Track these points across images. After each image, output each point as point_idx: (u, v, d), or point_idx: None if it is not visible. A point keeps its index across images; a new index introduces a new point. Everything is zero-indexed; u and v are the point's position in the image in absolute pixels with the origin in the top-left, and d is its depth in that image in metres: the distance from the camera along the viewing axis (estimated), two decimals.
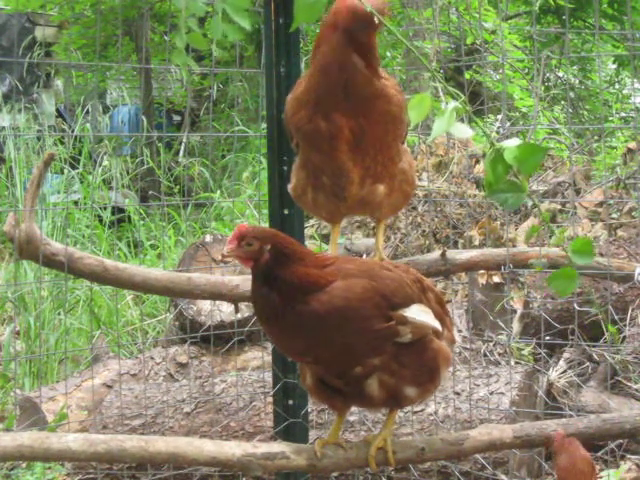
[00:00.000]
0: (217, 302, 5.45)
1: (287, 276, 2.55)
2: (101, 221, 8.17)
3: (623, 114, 13.37)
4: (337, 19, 2.90)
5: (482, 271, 5.55)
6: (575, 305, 5.07)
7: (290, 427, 4.17)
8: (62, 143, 9.02)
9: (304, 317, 2.52)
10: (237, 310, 4.87)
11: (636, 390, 5.14)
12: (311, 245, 7.10)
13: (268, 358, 4.88)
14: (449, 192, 7.21)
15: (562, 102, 12.09)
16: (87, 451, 2.58)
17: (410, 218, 7.32)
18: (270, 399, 4.51)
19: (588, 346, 5.27)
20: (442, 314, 2.76)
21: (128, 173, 9.45)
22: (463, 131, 2.07)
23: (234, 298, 3.54)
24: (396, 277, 2.66)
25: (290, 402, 4.18)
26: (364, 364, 2.58)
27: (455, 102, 2.04)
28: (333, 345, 2.54)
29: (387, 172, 3.07)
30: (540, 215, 2.28)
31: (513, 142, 2.06)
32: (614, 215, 6.85)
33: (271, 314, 2.56)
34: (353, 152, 2.99)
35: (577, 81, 13.60)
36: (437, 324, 2.70)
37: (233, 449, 2.67)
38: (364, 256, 6.43)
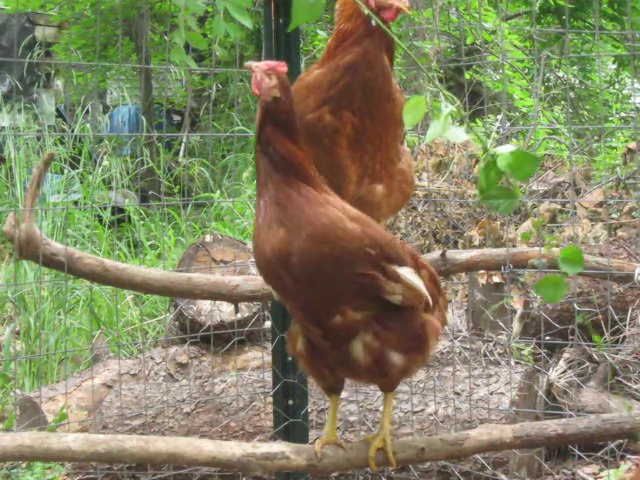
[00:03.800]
0: (217, 302, 5.45)
1: (277, 145, 2.53)
2: (101, 221, 8.17)
3: (623, 114, 13.38)
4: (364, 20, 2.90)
5: (482, 271, 5.55)
6: (575, 305, 5.08)
7: (290, 427, 4.17)
8: (62, 143, 9.02)
9: (295, 207, 2.48)
10: (237, 310, 4.87)
11: (636, 390, 5.14)
12: None
13: (268, 358, 4.89)
14: (449, 192, 7.21)
15: (562, 102, 12.09)
16: (87, 451, 2.58)
17: (410, 218, 7.32)
18: (270, 399, 4.51)
19: (588, 346, 5.27)
20: (435, 294, 2.71)
21: (128, 173, 9.45)
22: (458, 135, 2.07)
23: (234, 298, 3.54)
24: (392, 237, 2.64)
25: (290, 402, 4.18)
26: (344, 313, 2.52)
27: (450, 107, 2.04)
28: (309, 264, 2.46)
29: (386, 172, 3.08)
30: (533, 222, 2.27)
31: (507, 148, 2.05)
32: (614, 215, 6.85)
33: (271, 187, 2.52)
34: (352, 149, 2.99)
35: (577, 81, 13.61)
36: (427, 294, 2.64)
37: (233, 449, 2.67)
38: None
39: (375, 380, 2.74)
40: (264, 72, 2.57)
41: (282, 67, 2.61)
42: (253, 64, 2.59)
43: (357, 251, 2.49)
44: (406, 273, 2.58)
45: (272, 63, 2.61)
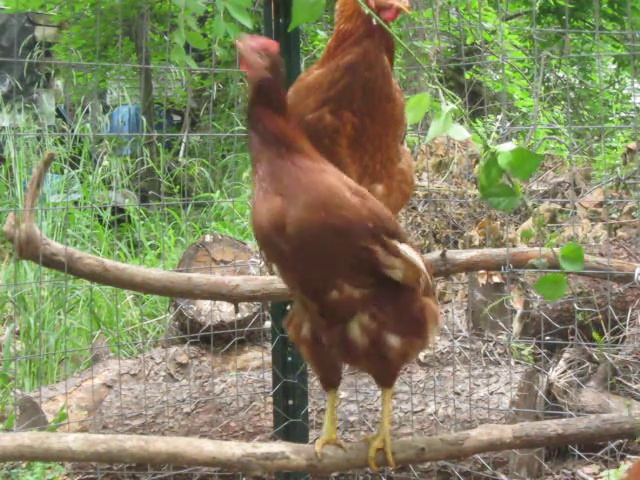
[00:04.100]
0: (217, 302, 5.45)
1: (267, 123, 2.51)
2: (101, 221, 8.17)
3: (623, 114, 13.38)
4: (365, 19, 2.91)
5: (482, 271, 5.55)
6: (575, 305, 5.08)
7: (290, 427, 4.17)
8: (62, 143, 9.02)
9: (290, 177, 2.45)
10: (237, 310, 4.87)
11: (636, 390, 5.14)
12: None
13: (268, 358, 4.89)
14: (449, 192, 7.21)
15: (562, 102, 12.09)
16: (87, 451, 2.58)
17: (410, 218, 7.31)
18: (270, 399, 4.52)
19: (588, 346, 5.27)
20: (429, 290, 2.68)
21: (128, 173, 9.45)
22: (460, 133, 2.07)
23: (234, 298, 3.54)
24: (392, 214, 2.62)
25: (290, 402, 4.18)
26: (341, 288, 2.48)
27: (452, 105, 2.04)
28: (307, 233, 2.42)
29: (386, 172, 3.08)
30: (534, 220, 2.28)
31: (508, 147, 2.05)
32: (614, 215, 6.85)
33: (264, 162, 2.50)
34: (352, 149, 3.00)
35: (577, 81, 13.61)
36: (426, 271, 2.59)
37: (233, 449, 2.67)
38: None
39: (374, 365, 2.66)
40: (255, 50, 2.54)
41: (273, 46, 2.58)
42: (242, 42, 2.54)
43: (356, 221, 2.44)
44: (405, 249, 2.54)
45: (263, 41, 2.58)
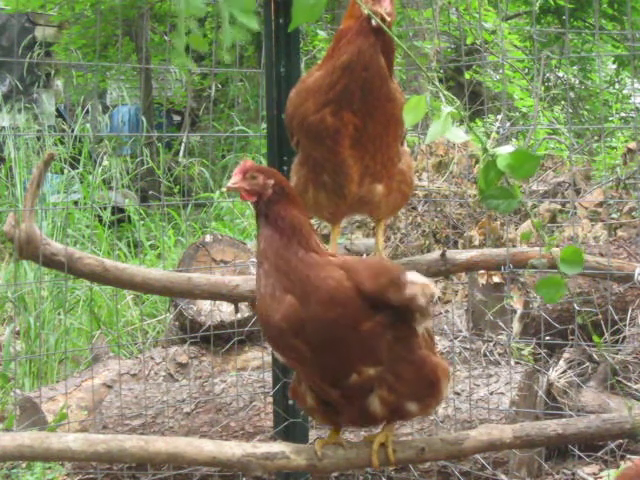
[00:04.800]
0: (217, 302, 5.45)
1: (287, 214, 2.56)
2: (101, 221, 8.17)
3: (623, 114, 13.37)
4: (362, 20, 2.92)
5: (482, 271, 5.55)
6: (575, 305, 5.07)
7: (290, 427, 4.17)
8: (62, 143, 9.02)
9: (297, 275, 2.50)
10: (237, 310, 4.87)
11: (636, 390, 5.13)
12: None
13: (268, 358, 4.89)
14: (449, 192, 7.21)
15: (562, 102, 12.09)
16: (87, 451, 2.58)
17: (410, 218, 7.31)
18: (270, 399, 4.52)
19: (588, 346, 5.26)
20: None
21: (128, 173, 9.45)
22: (459, 136, 2.07)
23: (234, 298, 3.54)
24: (388, 262, 2.69)
25: (290, 402, 4.18)
26: (360, 371, 2.54)
27: (450, 107, 2.04)
28: (325, 329, 2.47)
29: (386, 172, 3.09)
30: (533, 222, 2.27)
31: (507, 149, 2.05)
32: (614, 215, 6.84)
33: (270, 255, 2.53)
34: (354, 149, 3.01)
35: (577, 81, 13.60)
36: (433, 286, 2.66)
37: (233, 449, 2.67)
38: (364, 256, 6.43)
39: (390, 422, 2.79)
40: (243, 181, 2.59)
41: (247, 162, 2.63)
42: (229, 187, 2.61)
43: (374, 301, 2.51)
44: (412, 277, 2.61)
45: (237, 171, 2.61)
